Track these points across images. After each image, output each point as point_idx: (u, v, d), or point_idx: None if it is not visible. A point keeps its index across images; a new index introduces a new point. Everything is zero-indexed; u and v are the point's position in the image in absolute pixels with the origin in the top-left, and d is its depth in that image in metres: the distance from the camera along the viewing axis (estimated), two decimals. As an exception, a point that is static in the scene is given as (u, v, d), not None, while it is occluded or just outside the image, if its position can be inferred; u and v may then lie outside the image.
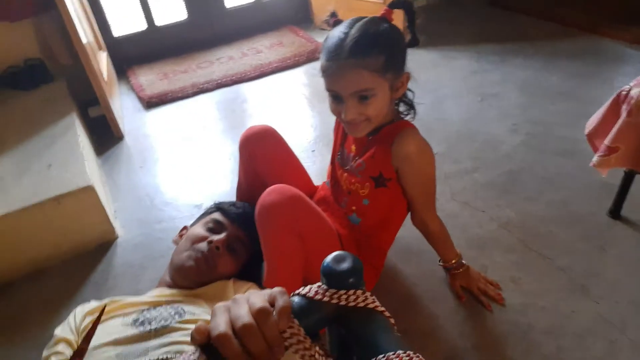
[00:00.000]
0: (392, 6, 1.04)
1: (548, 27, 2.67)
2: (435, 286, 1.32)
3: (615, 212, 1.44)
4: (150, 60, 2.79)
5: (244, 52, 2.80)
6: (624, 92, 1.16)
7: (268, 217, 1.03)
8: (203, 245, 1.13)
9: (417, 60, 2.42)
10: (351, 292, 0.45)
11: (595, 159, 1.24)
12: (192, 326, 0.93)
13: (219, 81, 2.52)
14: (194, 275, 1.10)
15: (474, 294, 1.26)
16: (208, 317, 0.97)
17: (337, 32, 1.01)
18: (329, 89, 1.04)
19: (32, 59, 2.15)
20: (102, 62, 2.25)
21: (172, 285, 1.13)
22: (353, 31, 0.98)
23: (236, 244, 1.17)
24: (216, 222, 1.20)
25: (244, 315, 0.40)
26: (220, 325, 0.39)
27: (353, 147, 1.18)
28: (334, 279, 0.46)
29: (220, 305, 0.42)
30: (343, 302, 0.44)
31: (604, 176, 1.30)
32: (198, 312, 0.99)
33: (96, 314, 0.99)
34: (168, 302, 1.02)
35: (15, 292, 1.45)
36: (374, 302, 0.45)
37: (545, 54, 2.41)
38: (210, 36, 2.93)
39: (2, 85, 2.09)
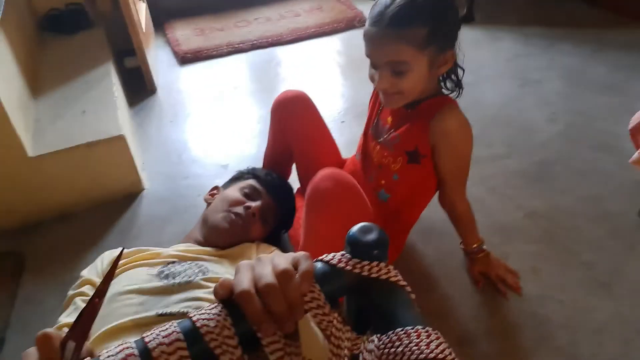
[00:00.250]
0: None
1: (600, 14, 2.54)
2: (453, 269, 1.31)
3: (648, 213, 1.40)
4: (187, 15, 2.77)
5: (282, 14, 2.76)
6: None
7: (321, 204, 1.00)
8: (240, 209, 1.14)
9: (461, 39, 2.33)
10: (374, 263, 0.45)
11: (635, 155, 1.19)
12: (215, 285, 0.94)
13: (255, 42, 2.49)
14: (227, 237, 1.12)
15: (492, 280, 1.25)
16: (231, 277, 0.98)
17: (381, 1, 0.97)
18: (367, 54, 1.02)
19: (74, 3, 2.15)
20: (142, 13, 2.24)
21: (202, 242, 1.14)
22: (396, 2, 0.94)
23: (268, 213, 1.20)
24: (253, 188, 1.21)
25: (267, 274, 0.40)
26: (244, 282, 0.40)
27: (389, 119, 1.16)
28: (358, 249, 0.45)
29: (244, 262, 0.43)
30: (365, 273, 0.44)
31: (643, 174, 1.26)
32: (222, 272, 1.01)
33: (123, 262, 1.02)
34: (193, 259, 1.04)
35: (44, 232, 1.50)
36: (396, 276, 0.45)
37: (594, 42, 2.30)
38: (250, -5, 2.89)
39: (43, 28, 2.11)
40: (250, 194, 1.20)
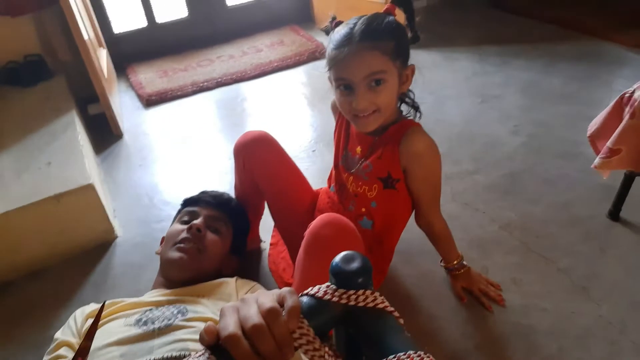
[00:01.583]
0: (394, 2, 1.05)
1: (549, 29, 2.68)
2: (436, 287, 1.32)
3: (614, 214, 1.44)
4: (150, 58, 2.78)
5: (244, 51, 2.80)
6: (627, 95, 1.17)
7: (321, 251, 0.97)
8: (184, 234, 1.12)
9: (419, 61, 2.37)
10: (360, 292, 0.45)
11: (597, 161, 1.24)
12: (197, 324, 0.93)
13: (219, 80, 2.51)
14: (185, 266, 1.09)
15: (475, 295, 1.26)
16: (212, 315, 0.97)
17: (344, 26, 1.01)
18: (339, 77, 1.01)
19: (32, 55, 2.14)
20: (103, 59, 2.24)
21: (168, 285, 1.11)
22: (360, 21, 0.99)
23: (216, 222, 1.19)
24: (188, 212, 1.20)
25: (253, 315, 0.40)
26: (230, 325, 0.39)
27: (358, 149, 1.17)
28: (343, 278, 0.46)
29: (228, 305, 0.42)
30: (352, 302, 0.44)
31: (605, 178, 1.30)
32: (201, 310, 0.98)
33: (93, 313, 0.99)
34: (170, 302, 1.01)
35: (14, 292, 1.44)
36: (383, 302, 0.45)
37: (546, 56, 2.42)
38: (211, 34, 2.92)
39: (1, 81, 2.07)
40: (188, 219, 1.18)
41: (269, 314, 0.40)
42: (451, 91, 2.23)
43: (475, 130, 1.94)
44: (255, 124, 2.21)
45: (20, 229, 1.42)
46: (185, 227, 1.15)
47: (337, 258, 0.47)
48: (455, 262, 1.25)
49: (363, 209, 1.18)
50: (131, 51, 2.79)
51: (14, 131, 1.76)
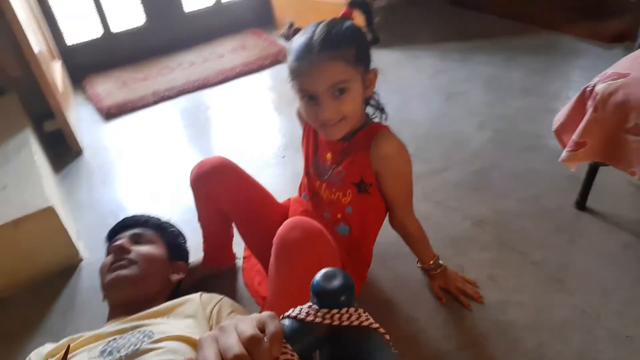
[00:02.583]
0: (351, 5, 1.04)
1: (507, 24, 2.73)
2: (414, 289, 1.31)
3: (581, 204, 1.48)
4: (107, 69, 2.69)
5: (205, 57, 2.74)
6: (588, 89, 1.19)
7: (290, 255, 0.95)
8: (110, 259, 1.15)
9: (382, 61, 2.43)
10: (344, 310, 0.43)
11: (564, 154, 1.26)
12: (166, 344, 0.89)
13: (181, 88, 2.45)
14: (123, 279, 1.10)
15: (452, 294, 1.26)
16: (180, 333, 0.93)
17: (302, 35, 0.99)
18: (303, 88, 1.00)
19: (-21, 72, 2.03)
20: (56, 73, 2.14)
21: (124, 312, 1.08)
22: (318, 29, 0.97)
23: (141, 237, 1.21)
24: (110, 243, 1.20)
25: (233, 345, 0.38)
26: (210, 358, 0.37)
27: (328, 156, 1.16)
28: (325, 298, 0.44)
29: (206, 335, 0.40)
30: (336, 322, 0.43)
31: (573, 170, 1.33)
32: (168, 330, 0.95)
33: (57, 356, 0.94)
34: (133, 328, 0.97)
35: (-27, 325, 1.36)
36: (368, 319, 0.44)
37: (505, 50, 2.46)
38: (170, 41, 2.85)
39: (-54, 102, 1.96)
40: (111, 249, 1.18)
41: (251, 342, 0.38)
42: (416, 90, 2.24)
43: (442, 128, 1.96)
44: (220, 133, 2.16)
45: (-24, 258, 1.34)
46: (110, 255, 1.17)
47: (318, 276, 0.46)
48: (431, 262, 1.25)
49: (339, 215, 1.16)
50: (87, 62, 2.69)
51: (-37, 154, 1.66)
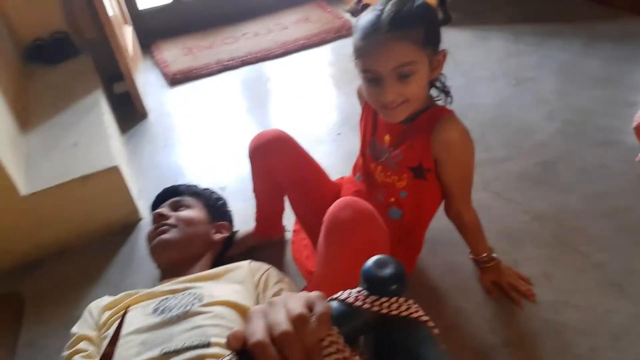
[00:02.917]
0: None
1: (589, 7, 2.53)
2: (464, 280, 1.28)
3: (655, 207, 1.38)
4: (175, 35, 2.75)
5: (269, 28, 2.74)
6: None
7: (340, 234, 0.95)
8: (152, 227, 1.22)
9: (450, 40, 2.29)
10: (393, 299, 0.43)
11: (641, 152, 1.17)
12: (214, 308, 0.94)
13: (244, 58, 2.47)
14: (166, 242, 1.16)
15: (504, 289, 1.22)
16: (228, 298, 0.98)
17: (370, 12, 0.96)
18: (366, 69, 0.97)
19: (59, 32, 2.13)
20: (128, 37, 2.22)
21: (174, 274, 1.14)
22: (388, 7, 0.94)
23: (179, 203, 1.27)
24: (153, 214, 1.26)
25: (282, 321, 0.38)
26: (257, 332, 0.38)
27: (387, 138, 1.13)
28: (375, 285, 0.43)
29: (256, 309, 0.41)
30: (385, 310, 0.42)
31: (651, 170, 1.24)
32: (217, 294, 0.99)
33: (115, 309, 1.00)
34: (185, 289, 1.02)
35: (43, 271, 1.47)
36: (417, 310, 0.43)
37: (585, 36, 2.29)
38: (237, 10, 2.87)
39: (28, 59, 2.08)
40: (153, 217, 1.25)
41: (298, 320, 0.38)
42: (484, 72, 2.14)
43: (509, 115, 1.87)
44: (279, 105, 2.17)
45: (47, 209, 1.44)
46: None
47: (370, 262, 0.45)
48: (484, 254, 1.22)
49: (392, 199, 1.15)
50: (156, 28, 2.76)
51: (41, 110, 1.76)
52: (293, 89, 2.25)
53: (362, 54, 0.97)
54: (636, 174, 1.49)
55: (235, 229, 1.44)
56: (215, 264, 1.26)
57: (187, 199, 1.30)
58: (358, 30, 0.97)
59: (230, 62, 2.45)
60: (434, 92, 1.10)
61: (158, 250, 1.18)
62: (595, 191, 1.48)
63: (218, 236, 1.30)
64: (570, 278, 1.25)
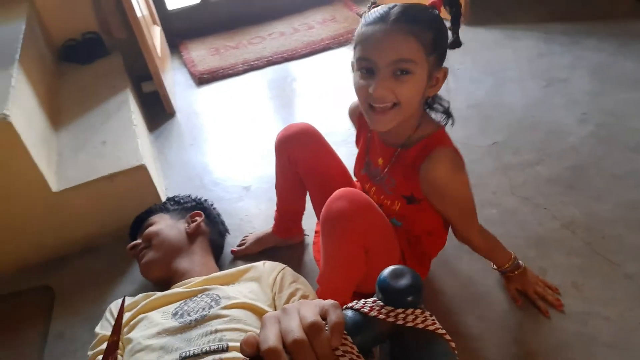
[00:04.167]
0: None
1: (625, 5, 2.44)
2: (489, 287, 1.26)
3: (694, 217, 1.32)
4: (202, 35, 2.78)
5: (295, 28, 2.74)
6: None
7: (335, 225, 0.95)
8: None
9: (479, 40, 2.28)
10: (409, 311, 0.42)
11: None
12: (231, 312, 0.95)
13: (270, 58, 2.48)
14: (152, 264, 1.24)
15: (530, 298, 1.19)
16: (245, 300, 0.99)
17: (381, 7, 0.92)
18: (364, 56, 0.91)
19: (90, 33, 2.18)
20: (156, 37, 2.25)
21: (179, 279, 1.18)
22: (398, 5, 0.90)
23: (145, 227, 1.32)
24: (127, 251, 1.33)
25: (295, 329, 0.38)
26: (270, 338, 0.38)
27: (380, 160, 1.09)
28: (391, 295, 0.42)
29: (270, 315, 0.41)
30: (401, 322, 0.41)
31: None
32: (234, 295, 1.00)
33: (134, 311, 1.03)
34: (202, 291, 1.03)
35: (71, 266, 1.51)
36: (434, 323, 0.42)
37: (621, 35, 2.21)
38: (262, 10, 2.88)
39: (61, 59, 2.13)
40: (129, 252, 1.33)
41: (311, 329, 0.38)
42: (513, 73, 2.09)
43: (538, 117, 1.81)
44: (305, 106, 2.17)
45: (76, 206, 1.47)
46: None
47: (385, 272, 0.44)
48: (506, 265, 1.18)
49: (389, 214, 1.11)
50: (184, 28, 2.80)
51: (72, 109, 1.81)
52: (319, 89, 2.24)
53: (363, 39, 0.90)
54: (673, 181, 1.43)
55: (213, 206, 1.49)
56: (216, 244, 1.36)
57: (150, 220, 1.34)
58: (365, 20, 0.92)
59: (257, 62, 2.47)
60: (435, 116, 1.05)
61: (146, 273, 1.26)
62: (629, 198, 1.43)
63: (193, 225, 1.32)
64: (601, 288, 1.21)
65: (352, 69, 0.99)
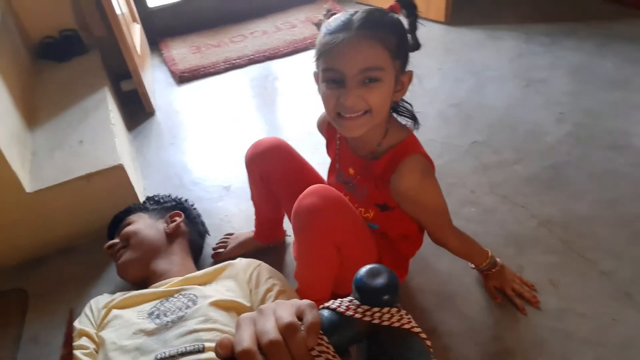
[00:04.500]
0: (400, 1, 0.93)
1: (605, 6, 2.48)
2: (468, 285, 1.26)
3: (667, 214, 1.34)
4: (182, 32, 2.75)
5: (278, 27, 2.73)
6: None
7: (305, 220, 0.94)
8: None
9: (460, 40, 2.30)
10: (385, 310, 0.42)
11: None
12: (208, 312, 0.94)
13: (252, 57, 2.46)
14: (122, 266, 1.22)
15: (507, 295, 1.20)
16: (222, 297, 0.98)
17: (341, 15, 0.90)
18: (329, 66, 0.88)
19: (67, 30, 2.14)
20: (136, 35, 2.22)
21: (157, 279, 1.16)
22: (360, 11, 0.88)
23: (122, 226, 1.29)
24: (104, 250, 1.30)
25: (270, 330, 0.38)
26: (245, 340, 0.37)
27: (351, 170, 1.09)
28: (367, 294, 0.43)
29: (245, 316, 0.40)
30: (377, 321, 0.41)
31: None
32: (210, 293, 0.99)
33: (109, 308, 1.01)
34: (179, 291, 1.02)
35: (46, 268, 1.47)
36: (409, 322, 0.42)
37: (600, 36, 2.24)
38: (244, 9, 2.86)
39: (38, 56, 2.09)
40: (106, 252, 1.30)
41: (287, 329, 0.38)
42: (494, 73, 2.11)
43: (518, 116, 1.83)
44: (286, 105, 2.16)
45: (52, 207, 1.44)
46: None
47: (362, 271, 0.44)
48: (484, 264, 1.19)
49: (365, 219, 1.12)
50: (165, 26, 2.77)
51: (48, 107, 1.77)
52: (300, 88, 2.23)
53: (327, 49, 0.87)
54: (648, 179, 1.46)
55: (193, 206, 1.47)
56: (195, 245, 1.34)
57: (128, 219, 1.32)
58: (325, 29, 0.89)
59: (238, 60, 2.45)
60: (401, 120, 1.05)
61: (123, 274, 1.24)
62: (606, 197, 1.45)
63: (172, 225, 1.31)
64: (577, 285, 1.22)
65: (316, 80, 0.96)
